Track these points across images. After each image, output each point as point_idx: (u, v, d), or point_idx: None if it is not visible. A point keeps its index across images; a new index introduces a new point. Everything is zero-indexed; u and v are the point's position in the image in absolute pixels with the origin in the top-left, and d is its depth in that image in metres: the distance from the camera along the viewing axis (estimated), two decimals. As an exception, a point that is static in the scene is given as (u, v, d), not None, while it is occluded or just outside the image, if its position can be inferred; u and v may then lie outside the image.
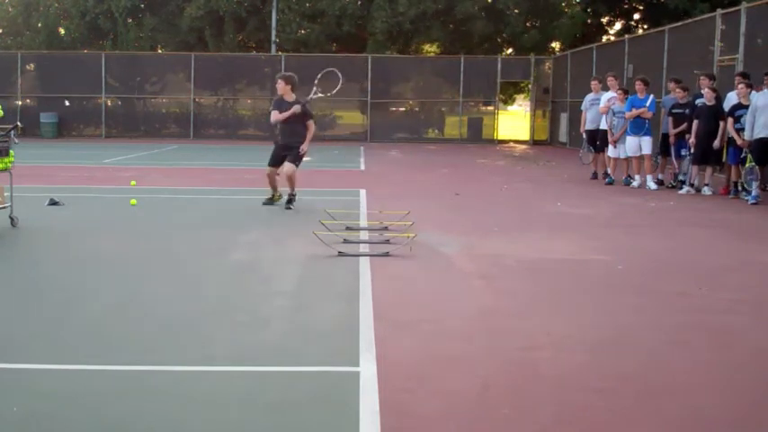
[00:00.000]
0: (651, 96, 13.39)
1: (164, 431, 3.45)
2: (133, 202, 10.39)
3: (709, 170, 12.45)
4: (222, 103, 30.11)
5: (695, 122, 12.40)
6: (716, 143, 12.11)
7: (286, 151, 10.30)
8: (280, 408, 3.68)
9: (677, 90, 13.09)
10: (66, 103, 28.76)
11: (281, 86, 10.43)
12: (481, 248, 7.76)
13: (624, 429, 3.56)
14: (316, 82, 10.91)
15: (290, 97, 10.39)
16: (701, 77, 12.79)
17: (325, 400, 3.78)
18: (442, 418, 3.60)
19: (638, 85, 13.42)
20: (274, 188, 10.52)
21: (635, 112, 13.20)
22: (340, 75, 11.10)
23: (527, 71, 28.93)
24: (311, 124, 10.36)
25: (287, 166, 10.18)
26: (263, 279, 6.43)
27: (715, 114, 12.21)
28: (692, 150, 12.47)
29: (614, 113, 13.66)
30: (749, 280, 6.60)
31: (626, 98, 13.52)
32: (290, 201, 10.25)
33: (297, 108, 10.20)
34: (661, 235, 8.86)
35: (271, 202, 10.49)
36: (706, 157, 12.34)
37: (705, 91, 12.39)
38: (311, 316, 5.30)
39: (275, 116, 10.34)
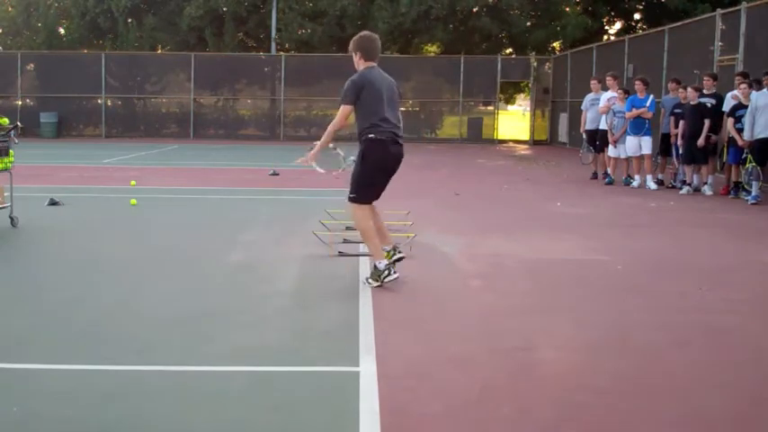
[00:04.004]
0: (651, 96, 13.40)
1: (164, 431, 3.45)
2: (133, 202, 10.39)
3: (705, 169, 12.44)
4: (222, 103, 30.11)
5: (681, 122, 12.43)
6: (699, 141, 12.11)
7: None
8: (280, 408, 3.68)
9: (680, 90, 13.09)
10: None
11: None
12: (481, 248, 7.76)
13: (624, 429, 3.56)
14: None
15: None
16: (705, 78, 12.78)
17: (325, 400, 3.78)
18: (442, 418, 3.60)
19: (638, 85, 13.43)
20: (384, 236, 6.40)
21: (635, 112, 13.20)
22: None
23: (527, 71, 28.93)
24: (341, 109, 6.19)
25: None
26: (263, 279, 6.42)
27: (700, 113, 12.24)
28: (680, 150, 12.51)
29: (614, 113, 13.66)
30: (749, 280, 6.59)
31: (626, 98, 13.53)
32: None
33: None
34: (661, 235, 8.85)
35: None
36: (693, 156, 12.35)
37: (689, 90, 12.45)
38: (311, 316, 5.30)
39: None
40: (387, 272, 6.03)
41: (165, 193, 11.90)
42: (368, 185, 6.19)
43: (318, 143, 6.36)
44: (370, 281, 6.05)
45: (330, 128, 6.26)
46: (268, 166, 16.04)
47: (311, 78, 28.94)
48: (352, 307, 5.44)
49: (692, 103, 12.39)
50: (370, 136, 6.06)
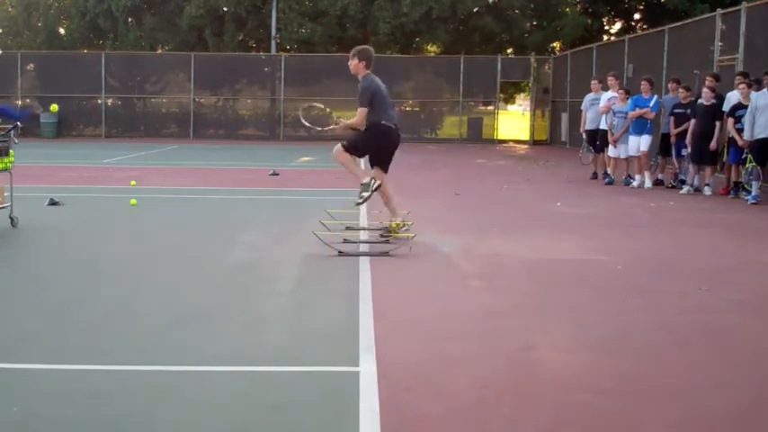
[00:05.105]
0: (655, 97, 13.40)
1: (164, 431, 3.45)
2: (133, 202, 10.39)
3: (708, 170, 12.45)
4: (222, 103, 30.11)
5: (692, 122, 12.42)
6: (712, 144, 12.10)
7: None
8: (280, 408, 3.68)
9: (681, 90, 13.09)
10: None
11: None
12: (481, 248, 7.76)
13: (624, 429, 3.55)
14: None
15: None
16: (707, 78, 12.79)
17: (326, 400, 3.78)
18: (441, 418, 3.60)
19: (644, 86, 13.43)
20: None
21: (638, 112, 13.20)
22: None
23: (527, 71, 28.93)
24: (360, 110, 7.81)
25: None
26: (263, 279, 6.42)
27: (712, 114, 12.21)
28: (689, 150, 12.49)
29: (614, 113, 13.66)
30: (749, 280, 6.59)
31: (627, 98, 13.53)
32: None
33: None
34: (661, 235, 8.85)
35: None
36: (701, 156, 12.35)
37: (704, 90, 12.40)
38: (311, 316, 5.30)
39: None
40: (372, 182, 7.68)
41: (165, 193, 11.90)
42: (356, 148, 7.86)
43: (343, 122, 8.06)
44: (363, 195, 7.70)
45: (351, 122, 7.91)
46: (268, 166, 16.05)
47: (311, 78, 28.92)
48: (352, 307, 5.44)
49: (705, 103, 12.36)
50: (383, 122, 7.80)
